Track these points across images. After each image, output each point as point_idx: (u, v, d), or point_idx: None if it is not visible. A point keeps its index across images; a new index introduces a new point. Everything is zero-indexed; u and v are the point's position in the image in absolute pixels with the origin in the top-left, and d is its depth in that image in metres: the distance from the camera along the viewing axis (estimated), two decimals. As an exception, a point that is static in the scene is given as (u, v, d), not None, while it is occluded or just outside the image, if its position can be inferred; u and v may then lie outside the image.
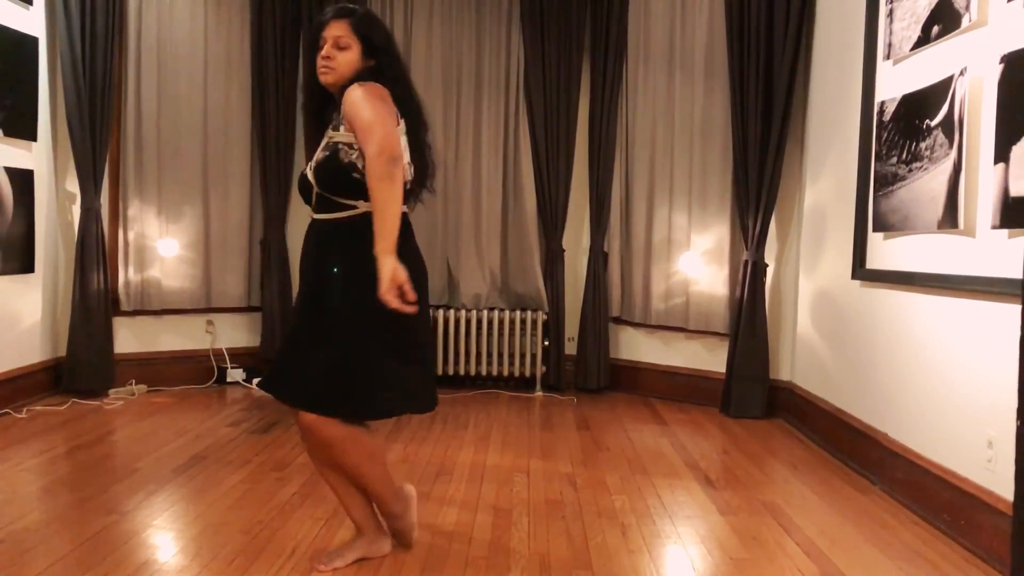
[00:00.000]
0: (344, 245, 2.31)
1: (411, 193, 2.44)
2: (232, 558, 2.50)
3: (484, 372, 5.20)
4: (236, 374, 5.17)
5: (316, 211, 2.39)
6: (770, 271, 4.72)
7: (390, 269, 2.13)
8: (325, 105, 2.46)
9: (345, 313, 2.29)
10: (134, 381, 4.87)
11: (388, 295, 2.13)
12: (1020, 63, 2.57)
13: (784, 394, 4.64)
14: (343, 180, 2.30)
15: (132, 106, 4.87)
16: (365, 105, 2.22)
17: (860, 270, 3.69)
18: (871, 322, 3.62)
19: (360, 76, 2.33)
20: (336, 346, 2.29)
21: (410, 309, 2.16)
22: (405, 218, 2.33)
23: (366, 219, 2.22)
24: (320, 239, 2.37)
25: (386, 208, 2.16)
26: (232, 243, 5.23)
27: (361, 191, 2.27)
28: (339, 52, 2.35)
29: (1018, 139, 2.54)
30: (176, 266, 5.06)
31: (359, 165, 2.28)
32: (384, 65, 2.38)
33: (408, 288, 2.15)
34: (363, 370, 2.30)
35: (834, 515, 3.06)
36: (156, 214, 4.98)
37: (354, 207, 2.31)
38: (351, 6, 2.44)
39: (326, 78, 2.36)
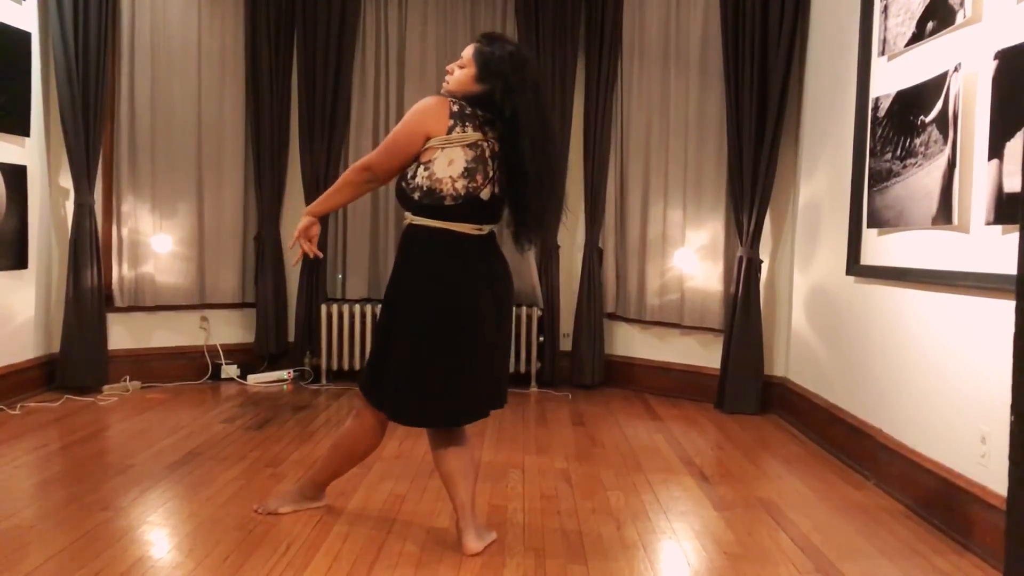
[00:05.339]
0: (402, 249, 2.58)
1: (457, 212, 2.48)
2: (227, 555, 2.49)
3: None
4: (230, 370, 5.16)
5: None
6: (765, 267, 4.73)
7: (302, 223, 2.64)
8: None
9: (386, 311, 2.59)
10: (128, 377, 4.86)
11: (293, 240, 2.65)
12: (1014, 59, 2.57)
13: (778, 390, 4.65)
14: (399, 190, 2.55)
15: (125, 102, 4.85)
16: (404, 120, 2.47)
17: (854, 266, 3.70)
18: (865, 318, 3.62)
19: (471, 97, 2.47)
20: (379, 339, 2.61)
21: (307, 252, 2.64)
22: (442, 234, 2.48)
23: (412, 230, 2.50)
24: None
25: (333, 189, 2.59)
26: (226, 239, 5.22)
27: (409, 203, 2.51)
28: (457, 69, 2.52)
29: (1012, 135, 2.55)
30: (170, 262, 5.04)
31: (408, 175, 2.50)
32: (497, 96, 2.44)
33: (305, 244, 2.63)
34: (384, 366, 2.55)
35: (828, 510, 3.07)
36: (150, 210, 4.96)
37: (406, 217, 2.55)
38: (492, 34, 2.56)
39: (443, 88, 2.57)
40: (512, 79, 2.43)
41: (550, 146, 2.52)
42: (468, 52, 2.52)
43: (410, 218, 2.53)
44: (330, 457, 2.79)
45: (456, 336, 2.47)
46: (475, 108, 2.46)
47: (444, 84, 2.56)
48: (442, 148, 2.41)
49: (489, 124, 2.46)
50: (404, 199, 2.53)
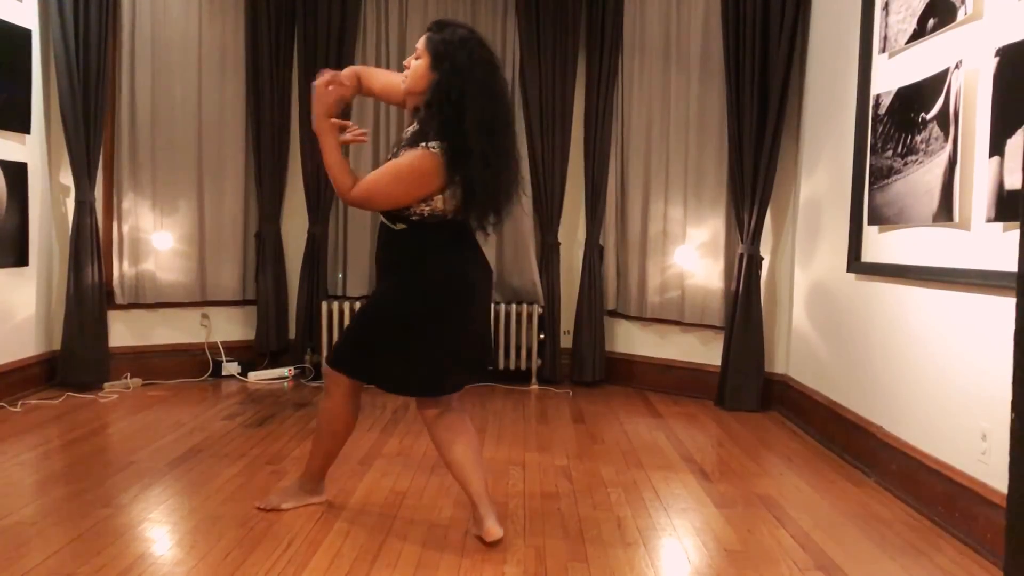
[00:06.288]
0: (404, 246, 2.63)
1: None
2: (228, 551, 2.50)
3: (480, 365, 5.19)
4: (231, 368, 5.16)
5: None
6: (765, 264, 4.73)
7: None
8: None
9: (377, 302, 2.71)
10: (129, 374, 4.86)
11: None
12: (1015, 56, 2.57)
13: (779, 387, 4.65)
14: (389, 213, 2.60)
15: (126, 99, 4.85)
16: (400, 170, 2.48)
17: (855, 263, 3.70)
18: (866, 315, 3.62)
19: (427, 91, 2.49)
20: (361, 320, 2.71)
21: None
22: (446, 228, 2.57)
23: (413, 232, 2.56)
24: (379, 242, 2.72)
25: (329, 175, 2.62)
26: (227, 236, 5.22)
27: (405, 222, 2.56)
28: (414, 61, 2.56)
29: (1013, 132, 2.55)
30: (170, 259, 5.04)
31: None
32: (444, 81, 2.47)
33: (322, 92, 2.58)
34: (366, 343, 2.66)
35: (829, 507, 3.07)
36: (150, 207, 4.96)
37: (392, 225, 2.60)
38: (442, 21, 2.61)
39: (403, 85, 2.61)
40: (460, 59, 2.47)
41: (498, 123, 2.52)
42: (421, 43, 2.56)
43: (402, 226, 2.59)
44: (316, 443, 2.85)
45: (466, 310, 2.61)
46: (443, 128, 2.46)
47: (403, 79, 2.59)
48: (442, 193, 2.50)
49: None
50: (397, 218, 2.58)
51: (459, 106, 2.44)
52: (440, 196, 2.50)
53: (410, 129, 2.61)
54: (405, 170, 2.48)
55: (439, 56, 2.48)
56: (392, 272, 2.65)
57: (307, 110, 5.01)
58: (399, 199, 2.51)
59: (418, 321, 2.57)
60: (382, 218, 2.65)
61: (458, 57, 2.46)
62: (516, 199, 2.65)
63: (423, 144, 2.47)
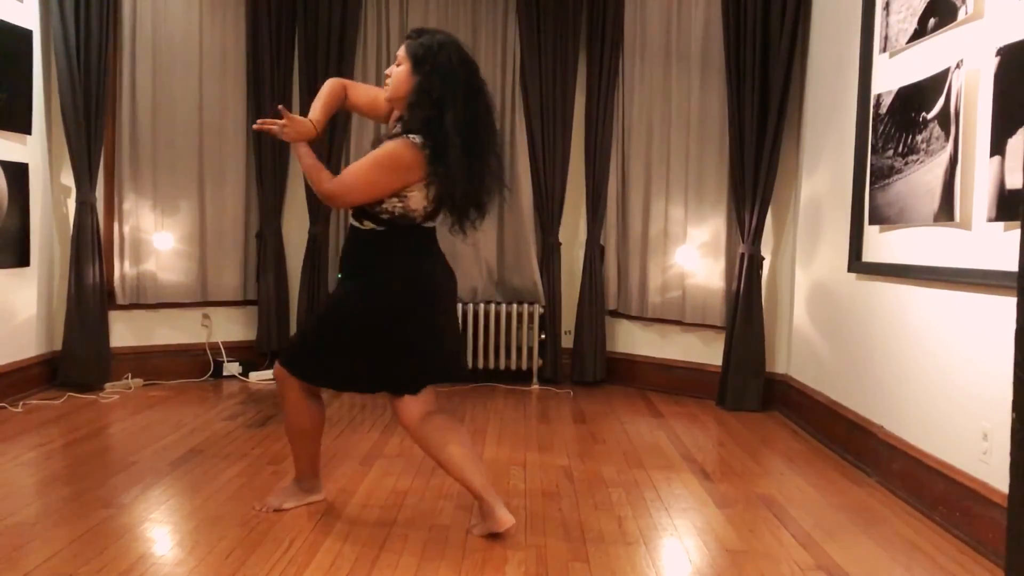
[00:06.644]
0: (356, 255, 2.68)
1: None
2: (229, 551, 2.50)
3: (480, 366, 5.20)
4: (232, 368, 5.16)
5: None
6: (766, 264, 4.72)
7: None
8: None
9: (341, 304, 2.68)
10: (130, 375, 4.86)
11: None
12: (1016, 55, 2.57)
13: (780, 387, 4.65)
14: (358, 210, 2.62)
15: (127, 99, 4.85)
16: (380, 157, 2.51)
17: (856, 263, 3.70)
18: (867, 315, 3.62)
19: (408, 96, 2.55)
20: (325, 323, 2.70)
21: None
22: (415, 232, 2.61)
23: (384, 234, 2.58)
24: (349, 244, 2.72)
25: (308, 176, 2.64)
26: (228, 237, 5.22)
27: (375, 220, 2.58)
28: (395, 69, 2.61)
29: (1013, 132, 2.55)
30: (172, 260, 5.05)
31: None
32: (425, 82, 2.52)
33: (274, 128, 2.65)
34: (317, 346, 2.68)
35: (830, 507, 3.07)
36: (151, 208, 4.96)
37: (359, 224, 2.62)
38: (421, 29, 2.65)
39: (385, 92, 2.66)
40: (440, 61, 2.52)
41: (479, 121, 2.56)
42: (401, 51, 2.60)
43: (370, 225, 2.60)
44: (293, 445, 2.87)
45: (433, 309, 2.64)
46: (425, 126, 2.49)
47: (385, 87, 2.64)
48: (419, 188, 2.53)
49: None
50: (366, 216, 2.59)
51: (440, 105, 2.48)
52: (415, 193, 2.52)
53: (393, 132, 2.63)
54: (385, 158, 2.50)
55: (419, 59, 2.53)
56: (358, 274, 2.65)
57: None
58: (377, 188, 2.51)
59: (388, 321, 2.58)
60: (351, 219, 2.66)
61: (438, 59, 2.51)
62: (498, 196, 2.69)
63: (404, 135, 2.50)
